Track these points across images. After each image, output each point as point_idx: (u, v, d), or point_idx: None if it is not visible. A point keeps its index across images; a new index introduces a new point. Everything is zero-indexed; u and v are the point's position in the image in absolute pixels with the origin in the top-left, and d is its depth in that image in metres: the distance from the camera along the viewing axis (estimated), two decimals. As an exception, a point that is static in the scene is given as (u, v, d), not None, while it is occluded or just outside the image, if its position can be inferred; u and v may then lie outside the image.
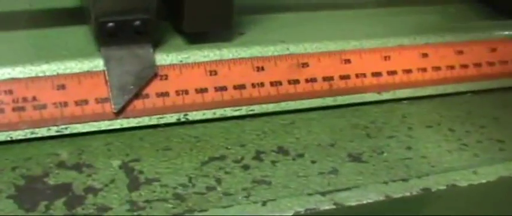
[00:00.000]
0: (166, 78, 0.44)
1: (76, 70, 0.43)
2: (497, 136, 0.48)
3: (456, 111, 0.51)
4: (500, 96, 0.54)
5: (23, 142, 0.41)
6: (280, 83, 0.47)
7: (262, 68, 0.47)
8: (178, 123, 0.45)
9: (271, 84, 0.47)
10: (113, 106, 0.42)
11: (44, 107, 0.41)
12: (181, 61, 0.45)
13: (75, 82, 0.42)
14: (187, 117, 0.45)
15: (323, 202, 0.39)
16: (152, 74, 0.44)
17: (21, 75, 0.41)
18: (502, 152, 0.46)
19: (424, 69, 0.51)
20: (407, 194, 0.41)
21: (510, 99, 0.53)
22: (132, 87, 0.43)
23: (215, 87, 0.45)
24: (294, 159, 0.43)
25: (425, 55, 0.51)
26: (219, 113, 0.45)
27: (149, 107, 0.44)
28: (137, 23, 0.42)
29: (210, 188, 0.40)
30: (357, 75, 0.49)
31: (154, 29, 0.43)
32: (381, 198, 0.40)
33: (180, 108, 0.44)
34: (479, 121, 0.50)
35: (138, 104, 0.43)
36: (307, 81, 0.48)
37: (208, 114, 0.45)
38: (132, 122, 0.43)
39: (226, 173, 0.41)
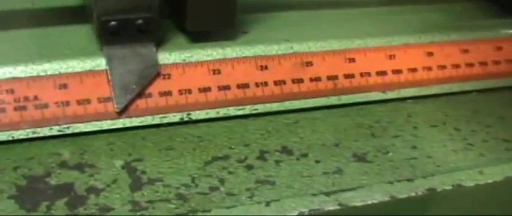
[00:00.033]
0: (169, 77, 0.44)
1: (78, 69, 0.42)
2: (503, 135, 0.48)
3: (462, 111, 0.51)
4: (506, 95, 0.53)
5: (25, 142, 0.41)
6: (284, 82, 0.47)
7: (266, 67, 0.46)
8: (181, 123, 0.44)
9: (275, 83, 0.46)
10: (115, 105, 0.42)
11: (45, 106, 0.41)
12: (184, 60, 0.45)
13: (77, 81, 0.42)
14: (191, 116, 0.44)
15: (327, 202, 0.39)
16: (155, 73, 0.43)
17: (22, 75, 0.41)
18: (508, 152, 0.46)
19: (429, 68, 0.51)
20: (413, 194, 0.40)
21: (516, 98, 0.53)
22: (134, 86, 0.43)
23: (218, 87, 0.45)
24: (298, 159, 0.43)
25: (430, 54, 0.51)
26: (222, 112, 0.45)
27: (152, 107, 0.43)
28: (140, 21, 0.42)
29: (213, 188, 0.39)
30: (361, 74, 0.49)
31: (156, 28, 0.43)
32: (386, 198, 0.40)
33: (183, 108, 0.44)
34: (485, 120, 0.50)
35: (140, 103, 0.43)
36: (311, 80, 0.47)
37: (212, 113, 0.45)
38: (135, 122, 0.43)
39: (230, 173, 0.41)
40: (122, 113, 0.43)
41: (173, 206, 0.38)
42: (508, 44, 0.54)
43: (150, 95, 0.43)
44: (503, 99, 0.53)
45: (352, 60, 0.49)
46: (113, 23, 0.42)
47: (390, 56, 0.50)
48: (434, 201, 0.41)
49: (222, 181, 0.40)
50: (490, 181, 0.42)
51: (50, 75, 0.42)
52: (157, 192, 0.39)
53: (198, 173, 0.40)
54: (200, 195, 0.39)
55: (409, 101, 0.51)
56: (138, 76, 0.43)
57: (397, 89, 0.50)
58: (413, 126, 0.48)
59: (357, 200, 0.39)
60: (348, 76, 0.48)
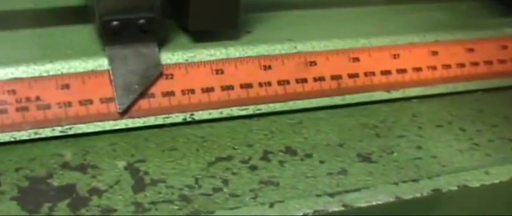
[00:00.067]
0: (172, 78, 0.44)
1: (80, 69, 0.42)
2: (509, 135, 0.47)
3: (467, 110, 0.50)
4: (512, 94, 0.53)
5: (27, 143, 0.41)
6: (288, 82, 0.46)
7: (270, 67, 0.46)
8: (185, 123, 0.44)
9: (279, 83, 0.46)
10: (117, 106, 0.42)
11: (47, 107, 0.41)
12: (187, 60, 0.44)
13: (79, 82, 0.42)
14: (194, 117, 0.44)
15: (332, 203, 0.38)
16: (157, 73, 0.43)
17: (24, 75, 0.41)
18: (514, 152, 0.46)
19: (434, 67, 0.51)
20: (418, 195, 0.40)
21: (522, 98, 0.53)
22: (137, 86, 0.42)
23: (222, 87, 0.45)
24: (302, 160, 0.42)
25: (435, 53, 0.51)
26: (225, 112, 0.45)
27: (155, 107, 0.43)
28: (142, 21, 0.42)
29: (216, 189, 0.39)
30: (365, 74, 0.48)
31: (159, 28, 0.43)
32: (391, 199, 0.39)
33: (186, 108, 0.44)
34: (490, 120, 0.49)
35: (143, 103, 0.43)
36: (315, 80, 0.47)
37: (215, 113, 0.45)
38: (138, 122, 0.43)
39: (233, 173, 0.41)
40: (124, 113, 0.42)
41: (176, 207, 0.37)
42: (514, 43, 0.54)
43: (152, 96, 0.43)
44: (509, 99, 0.52)
45: (356, 59, 0.48)
46: (115, 23, 0.41)
47: (395, 55, 0.50)
48: (440, 202, 0.41)
49: (225, 182, 0.40)
50: (496, 181, 0.42)
51: (52, 76, 0.41)
52: (160, 193, 0.38)
53: (201, 173, 0.40)
54: (203, 196, 0.38)
55: (414, 100, 0.50)
56: (141, 76, 0.43)
57: (401, 89, 0.50)
58: (418, 126, 0.47)
59: (361, 201, 0.39)
60: (352, 76, 0.48)
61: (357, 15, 0.55)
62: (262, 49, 0.46)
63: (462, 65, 0.52)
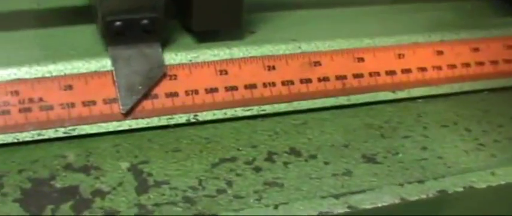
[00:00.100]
0: (175, 78, 0.43)
1: (83, 70, 0.42)
2: (515, 135, 0.47)
3: (472, 110, 0.50)
4: (518, 94, 0.53)
5: (30, 144, 0.41)
6: (292, 82, 0.46)
7: (274, 67, 0.46)
8: (188, 124, 0.44)
9: (283, 83, 0.46)
10: (121, 107, 0.42)
11: (50, 108, 0.41)
12: (190, 60, 0.44)
13: (82, 82, 0.42)
14: (197, 117, 0.44)
15: (336, 205, 0.38)
16: (161, 73, 0.43)
17: (27, 76, 0.41)
18: (520, 152, 0.45)
19: (439, 67, 0.50)
20: (423, 196, 0.40)
21: (528, 97, 0.52)
22: (140, 87, 0.42)
23: (225, 87, 0.44)
24: (306, 161, 0.42)
25: (440, 53, 0.51)
26: (229, 113, 0.45)
27: (158, 108, 0.43)
28: (145, 21, 0.42)
29: (220, 191, 0.39)
30: (370, 74, 0.48)
31: (162, 28, 0.43)
32: (396, 200, 0.39)
33: (189, 109, 0.44)
34: (496, 120, 0.49)
35: (146, 104, 0.43)
36: (319, 80, 0.47)
37: (219, 114, 0.44)
38: (141, 123, 0.43)
39: (237, 175, 0.40)
40: (127, 114, 0.42)
41: (180, 209, 0.37)
42: (519, 42, 0.54)
43: (156, 96, 0.43)
44: (515, 99, 0.52)
45: (361, 59, 0.48)
46: (118, 23, 0.41)
47: (399, 55, 0.49)
48: (446, 204, 0.41)
49: (229, 183, 0.39)
50: (503, 182, 0.42)
51: (55, 77, 0.41)
52: (163, 195, 0.38)
53: (205, 175, 0.40)
54: (207, 198, 0.38)
55: (419, 100, 0.50)
56: (144, 77, 0.42)
57: (406, 89, 0.49)
58: (423, 126, 0.47)
59: (366, 202, 0.39)
60: (356, 76, 0.48)
61: (361, 14, 0.55)
62: (266, 49, 0.46)
63: (467, 65, 0.51)
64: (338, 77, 0.47)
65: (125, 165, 0.40)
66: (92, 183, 0.38)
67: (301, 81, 0.46)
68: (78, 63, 0.42)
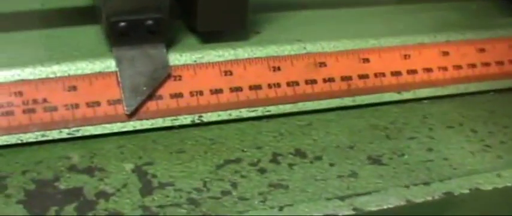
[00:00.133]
0: (180, 79, 0.43)
1: (87, 71, 0.42)
2: (521, 137, 0.47)
3: (478, 111, 0.50)
4: (524, 95, 0.52)
5: (34, 145, 0.41)
6: (297, 83, 0.46)
7: (279, 68, 0.46)
8: (193, 125, 0.44)
9: (288, 84, 0.46)
10: (125, 108, 0.42)
11: (54, 109, 0.41)
12: (195, 61, 0.44)
13: (86, 83, 0.42)
14: (202, 118, 0.44)
15: (342, 207, 0.38)
16: (165, 74, 0.43)
17: (31, 77, 0.41)
18: (526, 154, 0.45)
19: (445, 68, 0.50)
20: (429, 198, 0.39)
21: (534, 98, 0.52)
22: (145, 88, 0.42)
23: (230, 88, 0.44)
24: (311, 162, 0.42)
25: (446, 53, 0.50)
26: (234, 114, 0.45)
27: (163, 109, 0.43)
28: (149, 22, 0.41)
29: (225, 193, 0.39)
30: (376, 75, 0.48)
31: (167, 28, 0.43)
32: (402, 202, 0.39)
33: (194, 110, 0.44)
34: (502, 121, 0.49)
35: (151, 105, 0.43)
36: (324, 81, 0.47)
37: (224, 115, 0.44)
38: (145, 124, 0.43)
39: (242, 176, 0.40)
40: (132, 115, 0.42)
41: (184, 211, 0.37)
42: (525, 43, 0.53)
43: (160, 97, 0.43)
44: (521, 99, 0.52)
45: (366, 60, 0.48)
46: (122, 23, 0.41)
47: (405, 55, 0.49)
48: (452, 205, 0.40)
49: (234, 185, 0.39)
50: (509, 184, 0.41)
51: (59, 77, 0.41)
52: (168, 196, 0.38)
53: (209, 176, 0.40)
54: (212, 200, 0.38)
55: (425, 101, 0.50)
56: (149, 78, 0.42)
57: (412, 90, 0.49)
58: (429, 127, 0.47)
59: (372, 204, 0.38)
60: (362, 77, 0.48)
61: (367, 15, 0.54)
62: (271, 50, 0.46)
63: (473, 66, 0.51)
64: (343, 78, 0.47)
65: (129, 166, 0.40)
66: (96, 185, 0.38)
67: (306, 82, 0.46)
68: (83, 64, 0.42)
